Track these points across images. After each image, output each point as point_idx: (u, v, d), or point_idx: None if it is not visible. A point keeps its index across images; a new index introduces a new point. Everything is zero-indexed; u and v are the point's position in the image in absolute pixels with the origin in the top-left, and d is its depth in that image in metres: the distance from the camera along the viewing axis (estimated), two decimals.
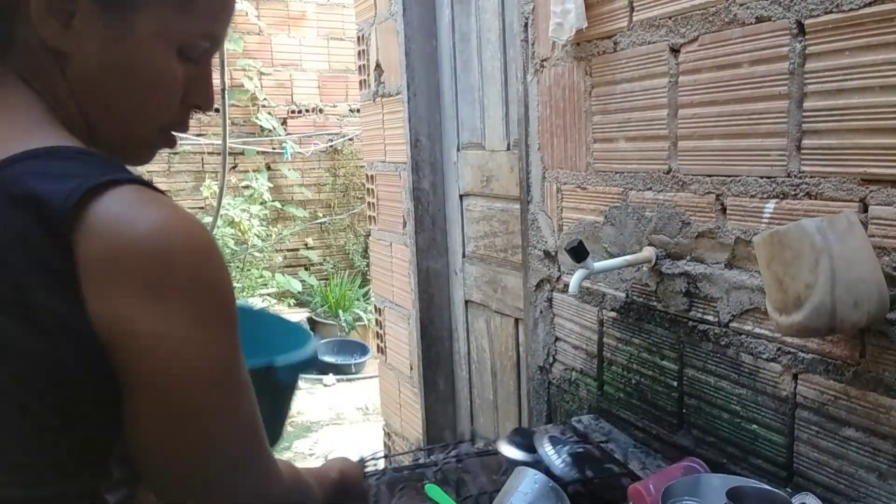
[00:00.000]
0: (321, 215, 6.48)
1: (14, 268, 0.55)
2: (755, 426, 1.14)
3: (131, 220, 0.58)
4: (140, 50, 0.65)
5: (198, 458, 0.63)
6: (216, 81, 3.25)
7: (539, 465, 1.24)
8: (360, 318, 6.02)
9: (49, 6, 0.62)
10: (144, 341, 0.58)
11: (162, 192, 0.63)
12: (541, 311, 1.69)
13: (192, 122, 0.77)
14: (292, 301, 6.01)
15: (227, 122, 3.88)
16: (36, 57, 0.64)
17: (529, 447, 1.32)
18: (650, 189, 1.30)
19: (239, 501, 0.67)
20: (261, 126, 5.89)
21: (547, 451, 1.25)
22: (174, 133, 0.74)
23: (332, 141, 6.41)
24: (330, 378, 5.43)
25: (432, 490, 1.17)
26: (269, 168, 6.18)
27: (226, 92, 3.67)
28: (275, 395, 0.96)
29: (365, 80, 2.70)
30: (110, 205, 0.57)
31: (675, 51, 1.21)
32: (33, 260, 0.56)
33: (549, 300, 1.66)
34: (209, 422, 0.62)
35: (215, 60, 0.80)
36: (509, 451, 1.35)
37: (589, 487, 1.20)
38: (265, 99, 5.99)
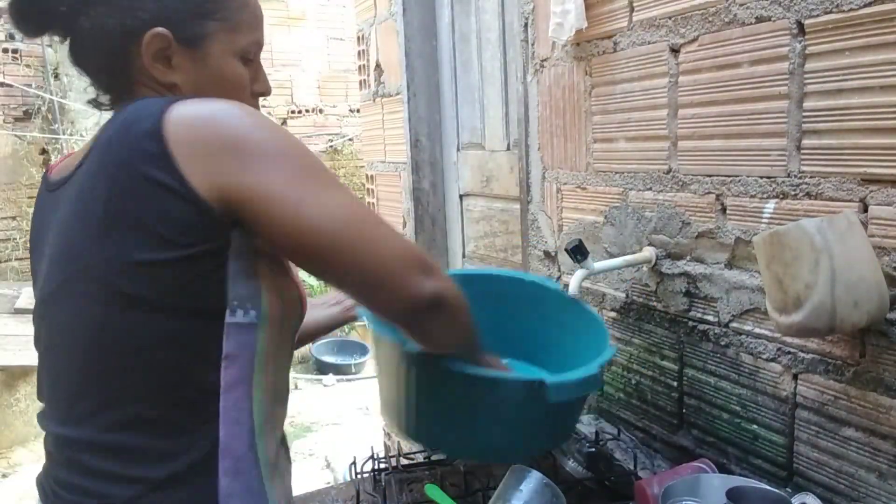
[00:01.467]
0: None
1: (138, 161, 0.79)
2: (755, 426, 1.14)
3: (196, 109, 0.80)
4: (217, 66, 0.92)
5: (353, 281, 0.82)
6: None
7: (548, 462, 1.25)
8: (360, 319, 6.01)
9: (154, 56, 0.88)
10: (263, 204, 0.78)
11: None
12: None
13: None
14: None
15: None
16: (155, 90, 0.90)
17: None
18: (650, 189, 1.30)
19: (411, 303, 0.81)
20: None
21: (559, 449, 1.26)
22: None
23: (332, 141, 6.40)
24: (330, 378, 5.44)
25: (432, 490, 1.17)
26: None
27: None
28: (546, 409, 0.95)
29: (365, 80, 2.70)
30: (183, 105, 0.80)
31: (675, 51, 1.21)
32: (146, 153, 0.79)
33: None
34: (345, 260, 0.79)
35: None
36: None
37: (600, 486, 1.20)
38: (265, 99, 5.99)
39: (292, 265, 0.94)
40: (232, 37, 0.92)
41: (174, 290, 0.80)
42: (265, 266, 0.87)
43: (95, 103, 0.94)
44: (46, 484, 0.88)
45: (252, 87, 0.97)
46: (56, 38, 0.91)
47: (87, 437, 0.83)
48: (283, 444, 0.98)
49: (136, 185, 0.79)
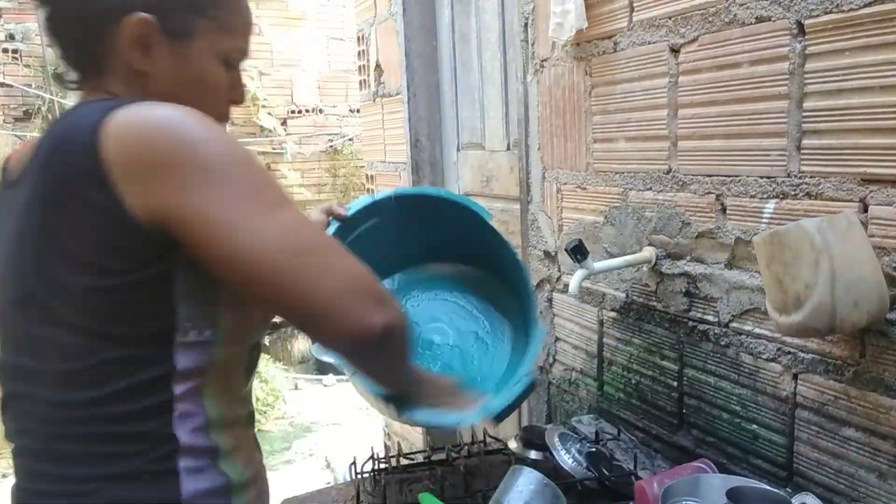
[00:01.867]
0: None
1: (72, 177, 0.75)
2: (755, 426, 1.14)
3: (135, 119, 0.75)
4: (198, 64, 0.87)
5: (297, 313, 0.78)
6: None
7: (549, 462, 1.25)
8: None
9: (133, 41, 0.83)
10: (196, 228, 0.74)
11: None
12: (541, 311, 1.69)
13: None
14: None
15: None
16: (124, 77, 0.85)
17: (540, 446, 1.32)
18: (650, 189, 1.30)
19: (360, 326, 0.77)
20: (261, 126, 5.90)
21: (560, 449, 1.26)
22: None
23: (331, 141, 6.40)
24: (330, 378, 5.43)
25: (426, 499, 1.17)
26: (269, 168, 6.19)
27: None
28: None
29: (365, 80, 2.70)
30: (123, 113, 0.75)
31: (675, 51, 1.21)
32: (80, 169, 0.74)
33: (549, 300, 1.66)
34: (288, 284, 0.75)
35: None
36: (520, 448, 1.35)
37: (602, 485, 1.20)
38: (265, 99, 6.00)
39: None
40: (220, 38, 0.88)
41: (114, 318, 0.77)
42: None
43: (59, 80, 0.89)
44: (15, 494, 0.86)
45: (230, 93, 0.93)
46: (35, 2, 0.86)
47: (39, 447, 0.82)
48: (253, 442, 0.95)
49: (71, 203, 0.75)
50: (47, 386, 0.81)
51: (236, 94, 0.94)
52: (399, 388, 1.00)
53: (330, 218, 1.18)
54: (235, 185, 0.75)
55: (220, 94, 0.91)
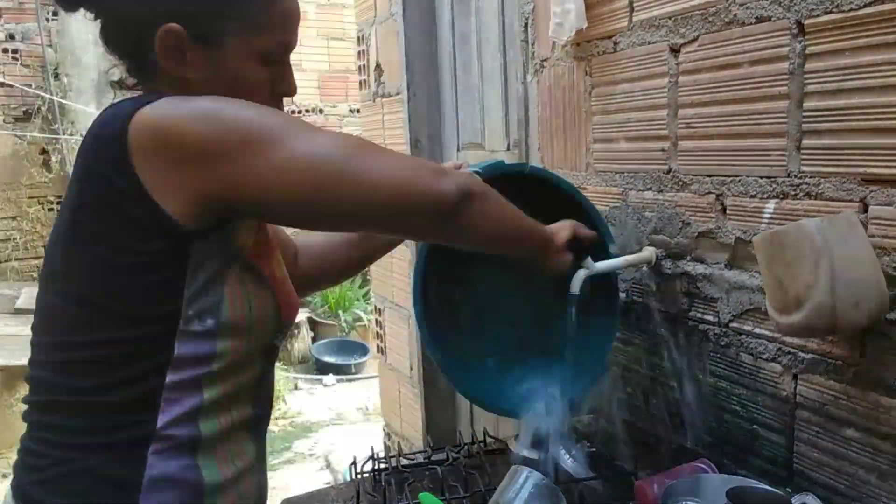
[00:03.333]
0: None
1: (102, 160, 0.80)
2: (755, 426, 1.14)
3: (163, 114, 0.79)
4: (234, 66, 0.89)
5: (372, 207, 0.80)
6: None
7: (549, 462, 1.25)
8: (360, 319, 6.02)
9: (166, 51, 0.86)
10: (256, 191, 0.78)
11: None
12: None
13: None
14: None
15: None
16: (170, 83, 0.89)
17: (541, 446, 1.32)
18: (650, 189, 1.30)
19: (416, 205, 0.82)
20: None
21: (560, 450, 1.26)
22: None
23: None
24: (330, 378, 5.43)
25: (426, 499, 1.17)
26: None
27: None
28: None
29: (365, 80, 2.70)
30: (152, 108, 0.79)
31: (675, 51, 1.21)
32: (109, 154, 0.79)
33: None
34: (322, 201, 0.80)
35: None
36: (521, 449, 1.35)
37: (602, 486, 1.20)
38: None
39: (275, 275, 0.93)
40: (252, 38, 0.89)
41: (120, 296, 0.81)
42: (235, 277, 0.86)
43: (121, 84, 0.96)
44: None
45: (275, 88, 0.94)
46: (89, 16, 0.91)
47: (36, 419, 0.88)
48: (248, 447, 0.95)
49: (97, 185, 0.80)
50: (51, 360, 0.86)
51: (284, 87, 0.96)
52: (531, 240, 1.01)
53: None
54: (274, 140, 0.78)
55: (260, 92, 0.92)
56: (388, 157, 0.81)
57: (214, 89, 0.87)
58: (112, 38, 0.91)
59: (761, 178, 1.08)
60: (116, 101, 0.85)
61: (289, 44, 0.94)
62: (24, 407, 0.90)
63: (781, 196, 1.05)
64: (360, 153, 0.79)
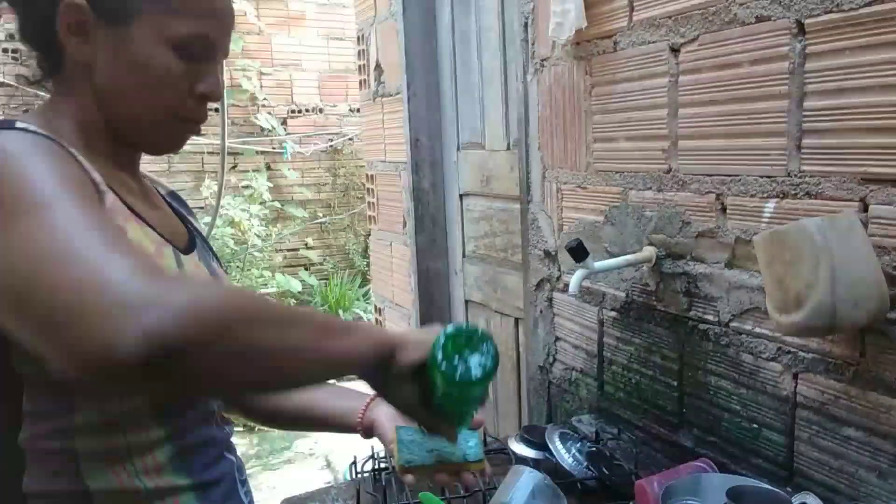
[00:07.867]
0: (321, 215, 6.47)
1: None
2: (755, 426, 1.14)
3: None
4: (141, 51, 0.78)
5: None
6: None
7: (549, 462, 1.25)
8: (360, 318, 6.02)
9: (69, 26, 0.77)
10: None
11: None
12: (541, 311, 1.69)
13: None
14: (292, 301, 6.00)
15: (227, 121, 3.88)
16: (71, 72, 0.80)
17: (540, 445, 1.32)
18: (650, 189, 1.30)
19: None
20: (260, 126, 5.90)
21: (560, 449, 1.26)
22: (198, 124, 0.87)
23: (332, 141, 6.40)
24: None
25: (426, 499, 1.17)
26: (269, 168, 6.18)
27: (225, 92, 3.67)
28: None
29: (365, 80, 2.70)
30: None
31: (675, 50, 1.21)
32: None
33: (550, 300, 1.66)
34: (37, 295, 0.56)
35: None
36: (521, 448, 1.35)
37: (602, 485, 1.20)
38: (265, 99, 5.99)
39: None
40: (166, 21, 0.78)
41: None
42: None
43: (29, 82, 0.86)
44: None
45: (195, 87, 0.82)
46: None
47: None
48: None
49: None
50: None
51: (206, 87, 0.83)
52: (325, 367, 0.69)
53: None
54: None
55: (173, 87, 0.80)
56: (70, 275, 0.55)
57: (116, 78, 0.79)
58: (22, 27, 0.82)
59: (761, 177, 1.08)
60: None
61: (209, 39, 0.81)
62: None
63: (781, 195, 1.05)
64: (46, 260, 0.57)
